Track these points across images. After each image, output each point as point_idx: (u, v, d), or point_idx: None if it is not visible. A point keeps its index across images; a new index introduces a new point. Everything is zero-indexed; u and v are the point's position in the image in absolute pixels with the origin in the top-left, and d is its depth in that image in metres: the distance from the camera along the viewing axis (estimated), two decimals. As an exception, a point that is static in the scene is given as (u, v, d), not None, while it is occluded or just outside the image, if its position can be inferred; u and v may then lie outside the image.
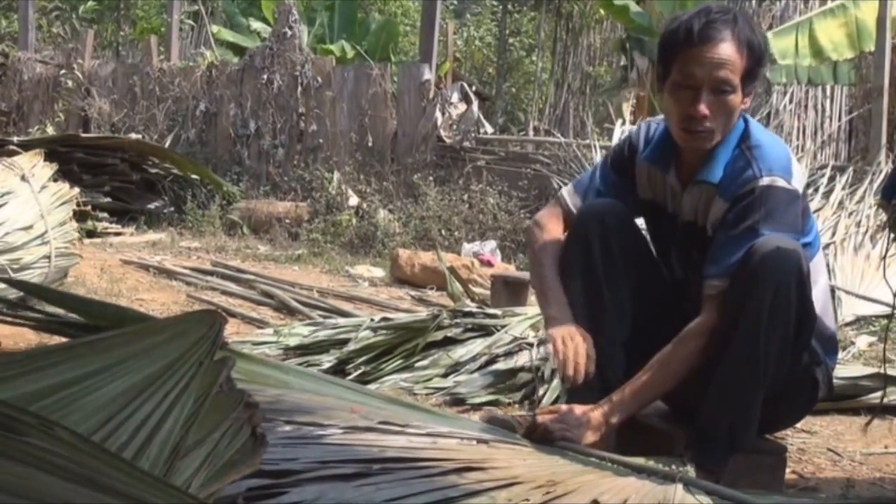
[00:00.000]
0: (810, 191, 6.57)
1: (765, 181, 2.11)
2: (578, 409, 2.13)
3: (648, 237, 2.44)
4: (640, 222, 2.45)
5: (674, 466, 1.99)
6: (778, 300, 2.03)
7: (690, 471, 2.00)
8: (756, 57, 2.14)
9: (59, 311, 1.75)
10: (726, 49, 2.11)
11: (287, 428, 1.64)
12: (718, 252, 2.14)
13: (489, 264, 6.17)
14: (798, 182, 2.16)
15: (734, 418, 2.11)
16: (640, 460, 1.99)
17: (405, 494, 1.50)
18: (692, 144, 2.20)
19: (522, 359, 3.37)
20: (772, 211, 2.10)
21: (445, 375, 3.38)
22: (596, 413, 2.11)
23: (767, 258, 2.03)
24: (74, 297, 1.81)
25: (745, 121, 2.22)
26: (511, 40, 15.16)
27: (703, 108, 2.12)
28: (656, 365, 2.13)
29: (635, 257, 2.33)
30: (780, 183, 2.11)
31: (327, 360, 3.57)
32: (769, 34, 7.82)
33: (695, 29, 2.12)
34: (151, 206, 8.27)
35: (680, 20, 2.16)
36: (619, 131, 7.13)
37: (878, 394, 3.18)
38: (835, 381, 2.43)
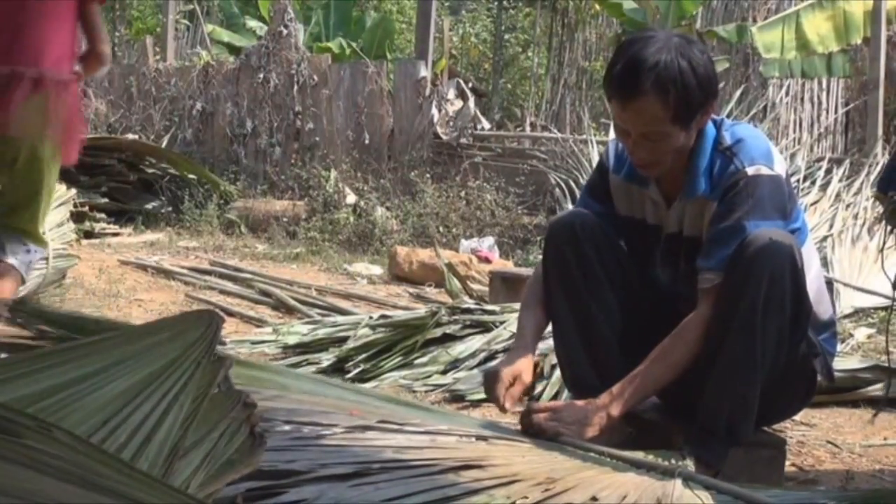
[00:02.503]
0: (807, 183, 6.58)
1: (750, 171, 2.12)
2: (578, 403, 2.16)
3: (632, 252, 2.41)
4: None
5: (673, 461, 1.99)
6: (773, 292, 2.04)
7: (689, 465, 2.01)
8: (687, 90, 2.04)
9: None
10: (645, 103, 2.04)
11: (286, 429, 1.64)
12: (711, 246, 2.14)
13: (487, 261, 6.16)
14: (780, 167, 2.17)
15: (732, 411, 2.12)
16: (639, 455, 1.99)
17: (404, 494, 1.50)
18: (643, 173, 2.23)
19: (521, 355, 3.36)
20: (760, 200, 2.10)
21: (444, 372, 3.38)
22: (595, 405, 2.11)
23: (761, 250, 2.03)
24: (51, 312, 1.81)
25: (716, 124, 2.21)
26: (507, 36, 15.17)
27: (638, 152, 2.14)
28: (655, 358, 2.13)
29: (612, 256, 2.34)
30: (765, 171, 2.12)
31: (326, 358, 3.57)
32: (754, 28, 7.81)
33: (615, 80, 2.07)
34: (149, 206, 8.26)
35: (612, 59, 2.11)
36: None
37: (878, 386, 3.19)
38: (834, 372, 2.43)
